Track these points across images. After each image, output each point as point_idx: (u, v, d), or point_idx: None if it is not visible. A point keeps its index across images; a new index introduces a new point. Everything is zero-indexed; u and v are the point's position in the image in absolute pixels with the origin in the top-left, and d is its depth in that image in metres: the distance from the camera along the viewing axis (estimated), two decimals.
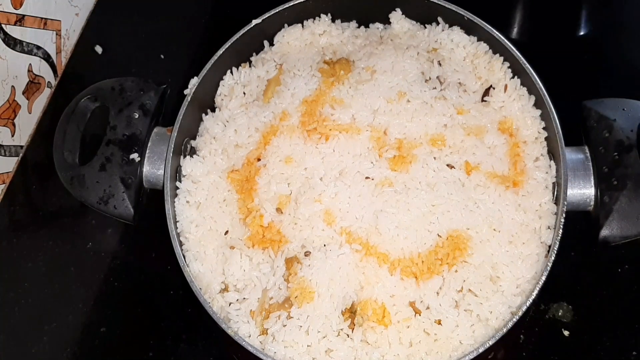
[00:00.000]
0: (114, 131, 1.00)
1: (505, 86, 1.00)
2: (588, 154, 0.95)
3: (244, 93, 1.04)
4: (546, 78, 0.97)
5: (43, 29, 1.20)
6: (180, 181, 0.99)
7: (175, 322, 1.05)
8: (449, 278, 0.89)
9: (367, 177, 0.94)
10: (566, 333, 1.00)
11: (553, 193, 0.94)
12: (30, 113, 1.20)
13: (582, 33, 1.26)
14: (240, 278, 0.92)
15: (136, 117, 1.01)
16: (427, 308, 0.88)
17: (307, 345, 0.87)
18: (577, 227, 0.94)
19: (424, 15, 1.06)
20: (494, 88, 1.00)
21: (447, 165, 0.93)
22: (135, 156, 0.98)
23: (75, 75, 1.28)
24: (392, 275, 0.88)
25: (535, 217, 0.92)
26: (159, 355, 1.03)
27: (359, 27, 1.08)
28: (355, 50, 1.04)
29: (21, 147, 1.20)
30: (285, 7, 1.04)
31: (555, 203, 0.93)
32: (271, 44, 1.07)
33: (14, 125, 1.16)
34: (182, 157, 1.00)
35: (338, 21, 1.08)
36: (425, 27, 1.06)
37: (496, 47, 1.02)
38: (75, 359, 1.04)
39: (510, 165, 0.95)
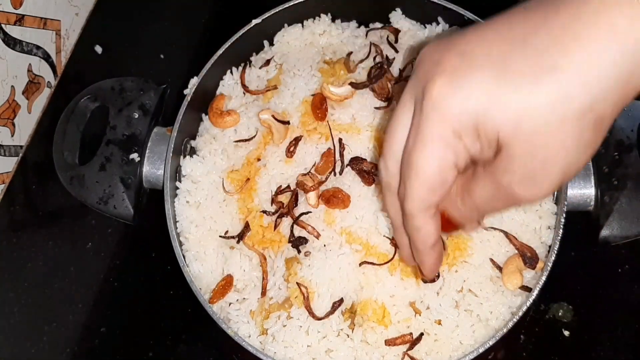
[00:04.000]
0: (113, 131, 1.00)
1: None
2: None
3: (244, 93, 1.03)
4: None
5: (43, 28, 1.20)
6: (180, 181, 0.99)
7: (175, 322, 1.05)
8: (449, 278, 0.89)
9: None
10: (566, 333, 1.00)
11: (553, 193, 0.94)
12: (30, 113, 1.20)
13: None
14: (240, 278, 0.92)
15: (136, 117, 1.01)
16: (427, 308, 0.88)
17: (307, 345, 0.87)
18: (577, 227, 0.94)
19: (424, 15, 1.05)
20: None
21: None
22: (135, 156, 0.98)
23: (75, 75, 1.28)
24: (392, 275, 0.88)
25: (535, 217, 0.92)
26: (159, 355, 1.03)
27: (359, 27, 1.08)
28: (356, 51, 1.04)
29: (21, 147, 1.20)
30: (285, 7, 1.04)
31: (555, 203, 0.93)
32: (271, 44, 1.07)
33: (13, 125, 1.16)
34: (182, 157, 1.00)
35: (338, 21, 1.08)
36: (425, 27, 1.06)
37: None
38: (75, 359, 1.04)
39: None
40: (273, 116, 0.97)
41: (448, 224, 0.68)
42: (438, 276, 0.88)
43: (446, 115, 0.58)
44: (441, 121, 0.58)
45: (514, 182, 0.58)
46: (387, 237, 0.89)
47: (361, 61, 1.01)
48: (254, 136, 0.99)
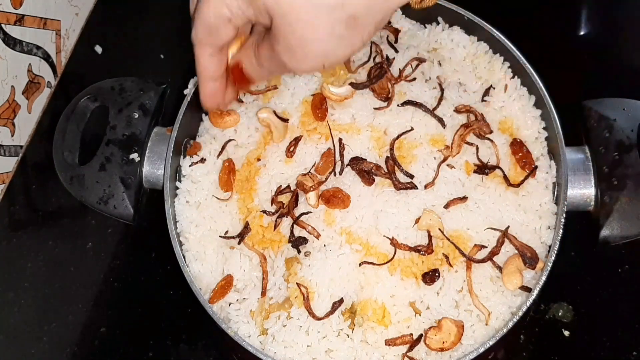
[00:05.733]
0: (113, 131, 1.00)
1: (505, 86, 1.00)
2: (588, 154, 0.95)
3: (244, 93, 1.03)
4: (546, 78, 0.97)
5: (43, 28, 1.20)
6: (180, 181, 0.99)
7: (175, 322, 1.05)
8: (449, 278, 0.89)
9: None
10: (566, 333, 1.00)
11: (553, 193, 0.94)
12: (30, 113, 1.20)
13: (582, 33, 1.26)
14: (240, 278, 0.92)
15: (136, 117, 1.01)
16: (427, 308, 0.88)
17: (307, 346, 0.87)
18: (577, 227, 0.94)
19: (424, 15, 1.05)
20: (494, 88, 1.00)
21: (447, 165, 0.93)
22: (135, 156, 0.99)
23: (75, 75, 1.28)
24: (392, 275, 0.88)
25: (535, 217, 0.92)
26: (159, 355, 1.03)
27: None
28: None
29: (21, 147, 1.20)
30: None
31: (555, 203, 0.93)
32: None
33: (13, 125, 1.16)
34: (182, 157, 1.00)
35: None
36: (425, 27, 1.06)
37: (496, 47, 1.02)
38: (75, 359, 1.04)
39: (511, 165, 0.95)
40: (274, 112, 0.97)
41: (241, 77, 0.80)
42: (438, 276, 0.88)
43: None
44: None
45: (280, 50, 0.70)
46: (387, 237, 0.89)
47: (363, 64, 1.01)
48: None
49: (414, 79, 0.99)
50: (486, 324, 0.87)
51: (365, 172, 0.92)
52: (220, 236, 0.94)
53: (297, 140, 0.96)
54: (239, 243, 0.93)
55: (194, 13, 0.75)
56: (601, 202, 0.92)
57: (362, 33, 0.68)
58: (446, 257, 0.89)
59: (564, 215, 0.89)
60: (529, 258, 0.88)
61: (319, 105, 0.97)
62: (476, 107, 0.97)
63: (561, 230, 0.88)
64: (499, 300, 0.88)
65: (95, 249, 1.12)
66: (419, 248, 0.89)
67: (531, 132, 0.97)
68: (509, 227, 0.90)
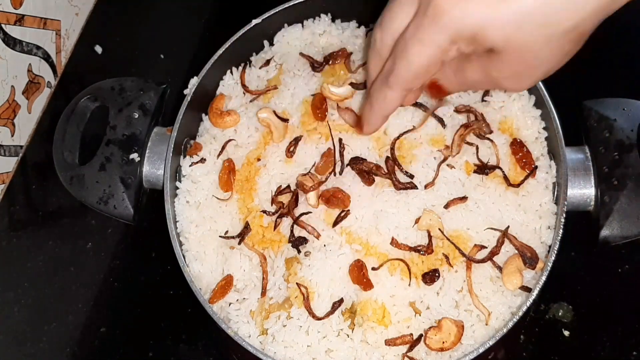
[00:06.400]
0: (113, 131, 1.00)
1: None
2: (588, 154, 0.95)
3: (244, 93, 1.03)
4: (546, 78, 0.97)
5: (43, 28, 1.20)
6: (180, 181, 0.99)
7: (175, 322, 1.05)
8: (449, 278, 0.89)
9: None
10: (566, 333, 1.00)
11: (553, 193, 0.94)
12: (30, 113, 1.20)
13: None
14: (240, 278, 0.92)
15: (136, 117, 1.01)
16: (427, 308, 0.88)
17: (307, 346, 0.87)
18: (577, 227, 0.94)
19: None
20: None
21: (447, 165, 0.93)
22: (135, 156, 0.99)
23: (75, 75, 1.28)
24: (392, 275, 0.88)
25: (535, 217, 0.92)
26: (159, 355, 1.04)
27: (359, 27, 1.08)
28: (356, 51, 1.04)
29: (21, 147, 1.20)
30: (285, 7, 1.04)
31: (555, 203, 0.93)
32: (271, 44, 1.07)
33: (13, 125, 1.16)
34: (182, 157, 1.00)
35: (338, 21, 1.08)
36: None
37: None
38: (75, 359, 1.04)
39: (511, 165, 0.95)
40: (274, 112, 0.97)
41: (438, 90, 0.78)
42: (438, 276, 0.88)
43: (447, 26, 0.64)
44: (441, 30, 0.65)
45: (502, 77, 0.69)
46: (387, 237, 0.89)
47: (363, 64, 1.01)
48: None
49: None
50: (486, 324, 0.87)
51: (365, 172, 0.92)
52: (220, 236, 0.94)
53: (297, 140, 0.96)
54: (239, 243, 0.93)
55: (398, 53, 0.70)
56: (601, 202, 0.92)
57: (583, 41, 0.68)
58: (446, 257, 0.89)
59: (564, 215, 0.89)
60: (529, 258, 0.88)
61: (319, 105, 0.97)
62: (476, 107, 0.97)
63: (561, 230, 0.88)
64: (499, 300, 0.88)
65: (95, 249, 1.12)
66: (419, 248, 0.89)
67: (531, 132, 0.97)
68: (509, 227, 0.90)
